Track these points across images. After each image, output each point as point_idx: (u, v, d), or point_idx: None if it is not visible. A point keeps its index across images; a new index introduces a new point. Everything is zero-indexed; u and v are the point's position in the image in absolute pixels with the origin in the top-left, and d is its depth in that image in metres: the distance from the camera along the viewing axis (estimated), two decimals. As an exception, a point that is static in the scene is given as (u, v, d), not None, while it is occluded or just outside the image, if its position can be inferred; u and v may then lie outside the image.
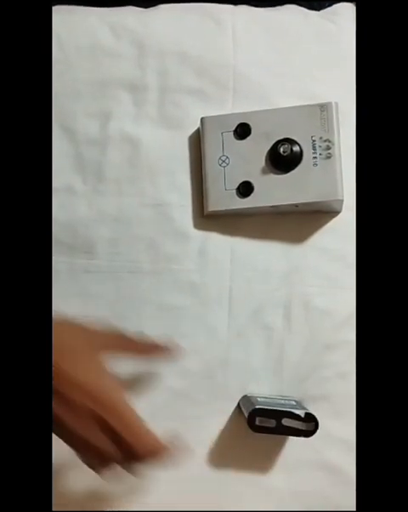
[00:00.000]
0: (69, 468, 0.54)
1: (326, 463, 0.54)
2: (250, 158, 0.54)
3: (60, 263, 0.57)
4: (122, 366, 0.51)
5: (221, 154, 0.55)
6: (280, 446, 0.54)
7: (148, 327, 0.55)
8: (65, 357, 0.41)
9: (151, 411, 0.54)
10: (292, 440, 0.54)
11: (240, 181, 0.54)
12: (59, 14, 0.60)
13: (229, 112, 0.57)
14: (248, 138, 0.54)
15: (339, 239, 0.55)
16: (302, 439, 0.49)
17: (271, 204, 0.53)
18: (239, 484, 0.54)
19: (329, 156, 0.52)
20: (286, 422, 0.48)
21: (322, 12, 0.63)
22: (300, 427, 0.48)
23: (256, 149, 0.54)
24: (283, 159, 0.52)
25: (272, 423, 0.48)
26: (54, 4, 0.62)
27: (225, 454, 0.55)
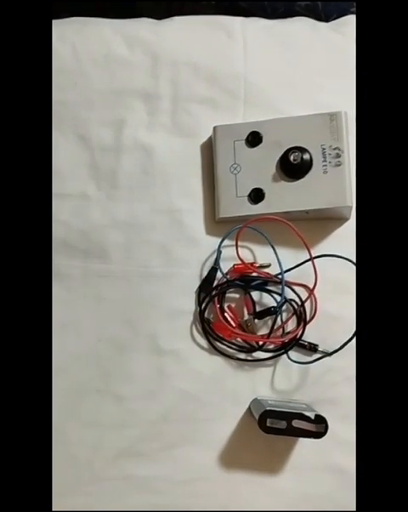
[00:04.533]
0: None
1: (334, 465, 0.55)
2: (261, 166, 0.55)
3: (74, 267, 0.58)
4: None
5: (233, 162, 0.56)
6: (290, 448, 0.55)
7: (159, 330, 0.57)
8: None
9: (162, 413, 0.56)
10: (301, 443, 0.55)
11: (252, 188, 0.55)
12: (75, 25, 0.62)
13: (240, 121, 0.58)
14: (259, 146, 0.55)
15: (348, 245, 0.55)
16: (310, 441, 0.50)
17: (282, 210, 0.54)
18: (249, 485, 0.55)
19: (338, 164, 0.53)
20: (296, 423, 0.49)
21: (331, 23, 0.65)
22: (310, 428, 0.49)
23: (267, 157, 0.55)
24: (294, 167, 0.53)
25: (283, 424, 0.49)
26: (70, 16, 0.64)
27: (236, 456, 0.55)
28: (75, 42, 0.60)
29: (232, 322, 0.56)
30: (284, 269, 0.55)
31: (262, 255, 0.57)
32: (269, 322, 0.56)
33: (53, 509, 0.52)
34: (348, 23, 0.63)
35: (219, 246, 0.56)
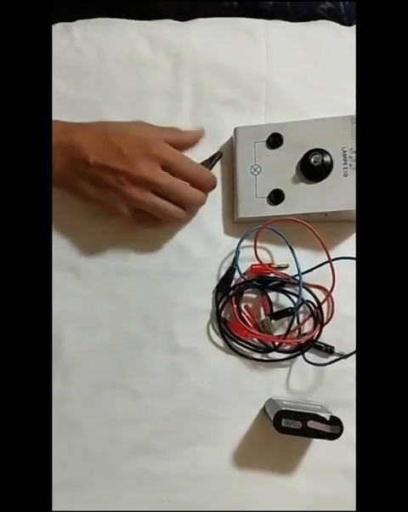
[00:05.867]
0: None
1: (348, 467, 0.55)
2: (281, 167, 0.55)
3: (93, 264, 0.59)
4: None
5: (253, 163, 0.56)
6: (304, 449, 0.55)
7: (177, 328, 0.57)
8: None
9: (178, 410, 0.56)
10: (315, 445, 0.55)
11: (271, 189, 0.55)
12: (100, 26, 0.63)
13: (262, 123, 0.59)
14: (280, 147, 0.56)
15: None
16: (325, 443, 0.50)
17: (301, 212, 0.54)
18: (262, 485, 0.55)
19: (359, 167, 0.53)
20: (311, 424, 0.49)
21: (353, 27, 0.65)
22: (325, 430, 0.49)
23: (287, 158, 0.55)
24: (314, 169, 0.54)
25: (298, 425, 0.49)
26: (94, 15, 0.65)
27: (250, 455, 0.56)
28: (100, 43, 0.61)
29: (249, 322, 0.56)
30: (302, 270, 0.55)
31: (280, 256, 0.57)
32: (286, 323, 0.56)
33: (67, 502, 0.54)
34: (371, 26, 0.63)
35: (238, 246, 0.56)
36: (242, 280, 0.57)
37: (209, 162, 0.58)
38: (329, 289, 0.55)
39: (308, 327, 0.56)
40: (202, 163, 0.58)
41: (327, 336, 0.56)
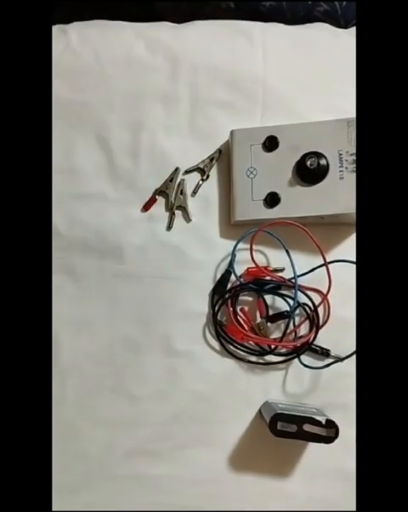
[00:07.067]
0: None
1: (345, 470, 0.55)
2: (277, 170, 0.55)
3: (90, 267, 0.59)
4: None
5: (249, 165, 0.56)
6: (300, 452, 0.55)
7: (173, 331, 0.57)
8: None
9: (174, 413, 0.56)
10: (311, 448, 0.55)
11: (267, 192, 0.55)
12: (97, 28, 0.63)
13: (258, 125, 0.59)
14: (276, 150, 0.56)
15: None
16: (321, 446, 0.50)
17: (297, 215, 0.54)
18: (258, 488, 0.55)
19: (355, 170, 0.53)
20: (307, 427, 0.49)
21: (349, 30, 0.65)
22: (321, 433, 0.49)
23: (283, 161, 0.55)
24: (310, 172, 0.54)
25: (293, 428, 0.49)
26: (92, 15, 0.65)
27: (246, 458, 0.56)
28: (97, 45, 0.61)
29: (245, 325, 0.56)
30: (298, 273, 0.55)
31: (276, 259, 0.57)
32: (282, 326, 0.56)
33: (64, 505, 0.54)
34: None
35: (234, 249, 0.56)
36: (238, 283, 0.57)
37: (210, 162, 0.58)
38: (325, 292, 0.55)
39: (304, 329, 0.57)
40: (203, 163, 0.58)
41: (323, 339, 0.56)
